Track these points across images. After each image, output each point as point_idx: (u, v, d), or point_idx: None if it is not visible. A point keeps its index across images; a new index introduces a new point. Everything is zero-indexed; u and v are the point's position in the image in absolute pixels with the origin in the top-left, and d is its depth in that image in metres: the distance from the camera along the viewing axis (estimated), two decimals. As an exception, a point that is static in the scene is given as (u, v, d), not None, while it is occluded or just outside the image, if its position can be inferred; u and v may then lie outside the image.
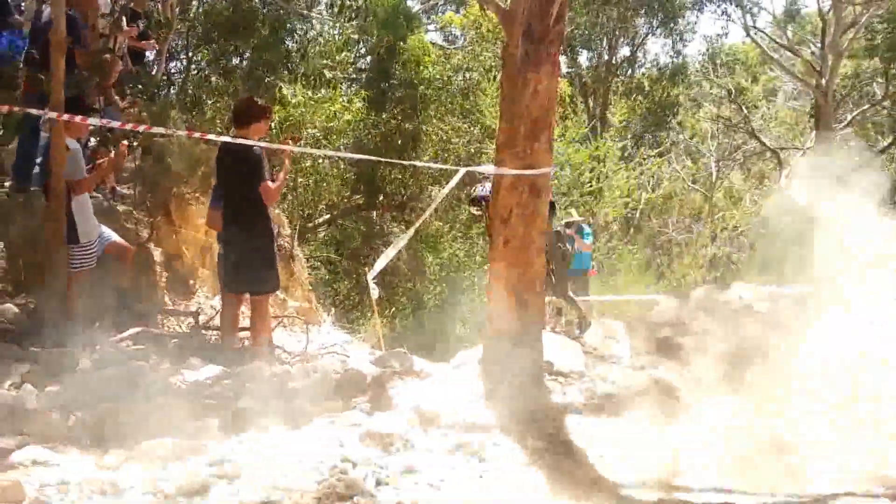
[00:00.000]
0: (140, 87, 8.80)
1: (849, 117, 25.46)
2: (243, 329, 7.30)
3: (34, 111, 6.38)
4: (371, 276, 7.38)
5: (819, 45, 24.53)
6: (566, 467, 4.21)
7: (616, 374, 5.63)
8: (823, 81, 23.48)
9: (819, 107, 23.87)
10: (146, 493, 3.48)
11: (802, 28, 27.96)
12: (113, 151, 7.56)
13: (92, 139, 8.09)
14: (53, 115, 6.14)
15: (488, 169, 6.06)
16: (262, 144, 6.64)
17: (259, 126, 6.73)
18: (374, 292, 7.93)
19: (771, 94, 29.98)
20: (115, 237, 7.21)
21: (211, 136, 6.74)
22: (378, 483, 3.73)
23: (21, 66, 7.93)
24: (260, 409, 4.84)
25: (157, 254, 8.71)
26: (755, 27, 27.41)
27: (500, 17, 6.12)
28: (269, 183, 6.56)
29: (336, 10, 12.80)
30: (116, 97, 8.60)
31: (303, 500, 3.48)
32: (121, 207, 8.50)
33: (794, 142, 27.53)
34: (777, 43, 27.16)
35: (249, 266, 6.59)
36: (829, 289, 6.62)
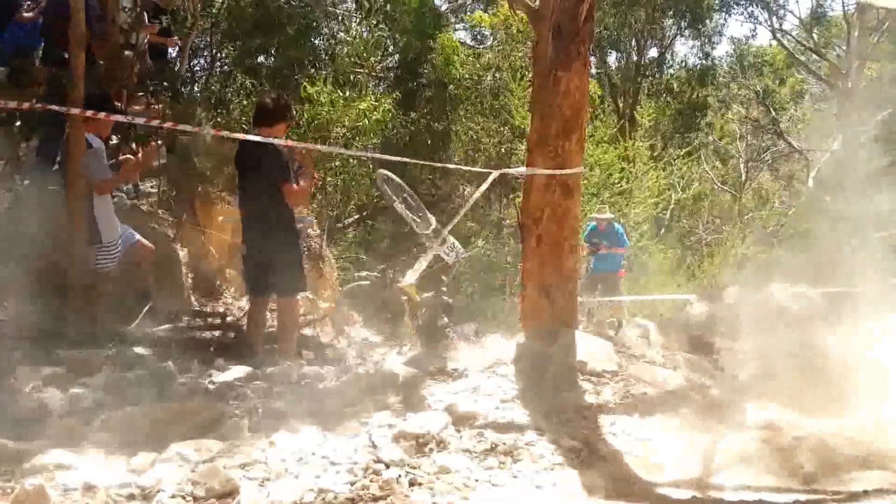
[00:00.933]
0: (164, 83, 8.80)
1: (874, 121, 25.22)
2: (272, 329, 7.31)
3: (56, 108, 6.34)
4: (405, 282, 7.30)
5: (844, 48, 24.36)
6: (600, 467, 4.15)
7: (649, 374, 5.57)
8: (849, 84, 23.29)
9: (845, 109, 23.70)
10: (175, 496, 3.43)
11: (828, 31, 27.77)
12: (141, 150, 7.55)
13: (114, 136, 8.10)
14: (76, 111, 6.13)
15: (520, 170, 6.06)
16: (292, 143, 6.64)
17: (282, 126, 6.72)
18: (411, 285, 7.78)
19: (798, 96, 29.80)
20: (137, 237, 7.18)
21: (238, 135, 6.74)
22: (412, 484, 3.68)
23: (37, 60, 7.91)
24: (290, 410, 4.80)
25: (183, 254, 8.71)
26: (781, 30, 27.28)
27: (530, 16, 6.11)
28: (294, 185, 6.54)
29: (364, 11, 12.78)
30: (139, 94, 8.61)
31: (336, 501, 3.43)
32: (144, 207, 8.52)
33: (821, 143, 27.33)
34: (803, 46, 27.01)
35: (275, 268, 6.57)
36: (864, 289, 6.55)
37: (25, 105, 6.35)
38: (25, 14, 8.56)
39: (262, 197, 6.47)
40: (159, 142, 7.79)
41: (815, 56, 26.84)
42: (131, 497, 3.43)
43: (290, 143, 6.83)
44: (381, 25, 15.02)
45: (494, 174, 6.30)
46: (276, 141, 6.36)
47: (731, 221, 25.12)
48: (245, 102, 12.61)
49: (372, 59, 16.05)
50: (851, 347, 5.60)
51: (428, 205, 17.85)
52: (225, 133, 6.63)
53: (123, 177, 7.29)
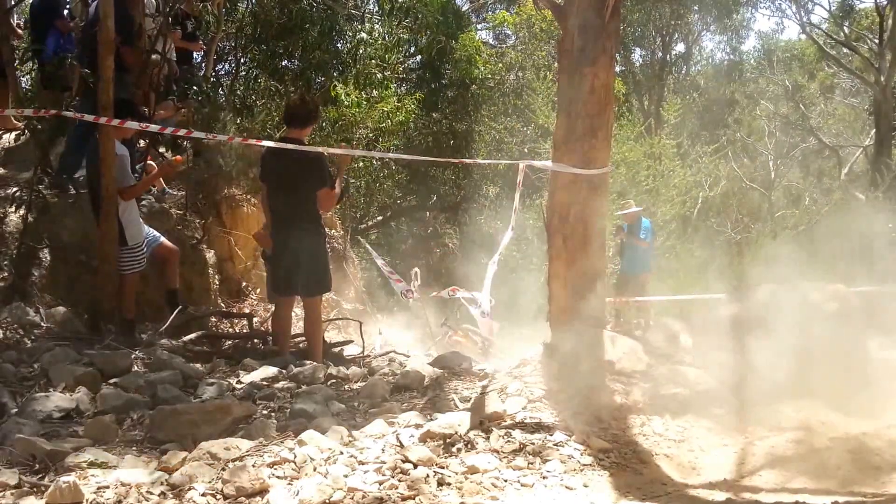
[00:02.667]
0: (195, 88, 8.83)
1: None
2: (297, 336, 7.31)
3: (88, 117, 6.36)
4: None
5: (876, 40, 23.95)
6: (632, 468, 4.11)
7: (679, 374, 5.49)
8: (882, 78, 22.89)
9: (878, 104, 23.28)
10: (206, 494, 3.44)
11: (858, 23, 27.35)
12: (165, 159, 7.57)
13: (141, 141, 8.13)
14: (102, 120, 6.16)
15: (546, 164, 6.00)
16: (330, 150, 6.65)
17: (310, 128, 6.74)
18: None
19: (828, 91, 29.39)
20: (161, 238, 7.23)
21: (267, 143, 6.73)
22: (440, 484, 3.65)
23: (69, 66, 7.98)
24: (318, 409, 4.82)
25: (210, 255, 8.77)
26: (810, 23, 26.92)
27: (555, 12, 6.05)
28: (333, 190, 6.56)
29: (386, 10, 12.72)
30: (169, 98, 8.64)
31: (364, 500, 3.43)
32: (172, 209, 8.57)
33: (852, 139, 26.96)
34: (833, 39, 26.61)
35: (302, 268, 6.58)
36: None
37: (57, 112, 6.40)
38: (67, 23, 8.67)
39: (297, 198, 6.48)
40: (187, 143, 7.80)
41: (845, 49, 26.41)
42: (163, 495, 3.45)
43: (324, 149, 6.86)
44: (405, 22, 14.95)
45: (523, 164, 6.30)
46: (309, 148, 6.38)
47: (760, 220, 24.82)
48: (270, 105, 12.62)
49: (394, 59, 16.05)
50: (888, 347, 5.50)
51: (451, 206, 17.90)
52: (267, 143, 6.63)
53: (146, 185, 7.33)
